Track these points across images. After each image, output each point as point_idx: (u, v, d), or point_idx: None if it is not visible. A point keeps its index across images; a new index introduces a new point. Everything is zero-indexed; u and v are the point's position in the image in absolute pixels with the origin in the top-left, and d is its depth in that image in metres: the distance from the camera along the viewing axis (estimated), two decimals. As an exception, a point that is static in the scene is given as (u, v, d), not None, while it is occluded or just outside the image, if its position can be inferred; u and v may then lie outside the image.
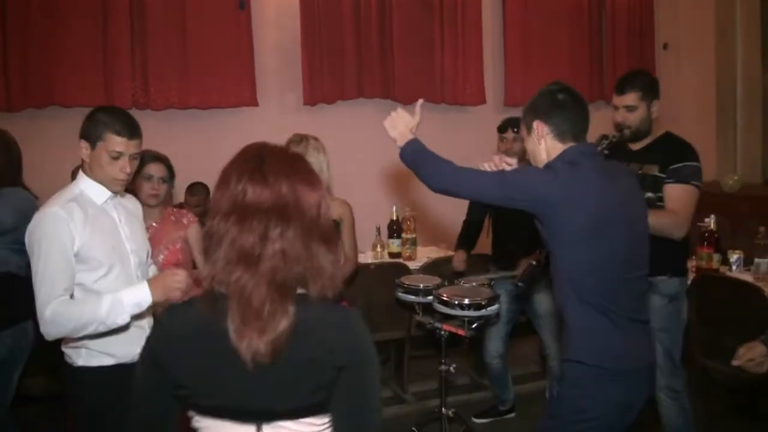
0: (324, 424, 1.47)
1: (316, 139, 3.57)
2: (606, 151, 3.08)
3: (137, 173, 3.03)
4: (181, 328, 1.47)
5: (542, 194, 2.23)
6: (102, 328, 2.25)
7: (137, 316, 2.33)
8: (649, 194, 3.13)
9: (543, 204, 2.24)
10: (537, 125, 2.42)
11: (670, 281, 3.22)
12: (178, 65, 5.50)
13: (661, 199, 3.17)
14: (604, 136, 3.14)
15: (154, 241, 3.10)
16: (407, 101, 6.16)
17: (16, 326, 3.08)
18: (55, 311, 2.21)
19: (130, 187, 3.10)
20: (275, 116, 5.84)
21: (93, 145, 2.35)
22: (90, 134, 2.35)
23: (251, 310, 1.37)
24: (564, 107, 2.41)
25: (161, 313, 1.70)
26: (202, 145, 5.41)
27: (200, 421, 1.48)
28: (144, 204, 3.06)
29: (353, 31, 5.97)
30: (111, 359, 2.40)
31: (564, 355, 2.34)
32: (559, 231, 2.25)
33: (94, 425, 2.41)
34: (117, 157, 2.35)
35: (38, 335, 2.34)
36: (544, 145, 2.40)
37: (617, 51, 6.92)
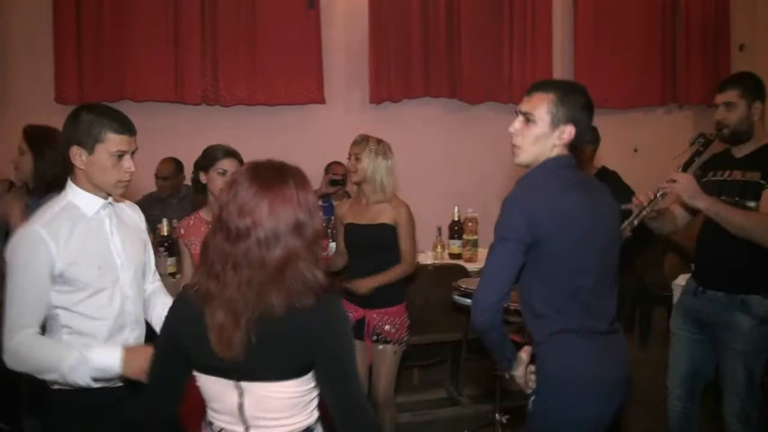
0: (301, 390, 1.72)
1: (378, 142, 3.55)
2: (701, 149, 2.98)
3: (210, 167, 3.15)
4: (184, 308, 1.75)
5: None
6: (62, 381, 2.11)
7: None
8: (751, 203, 2.95)
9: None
10: (570, 130, 2.27)
11: (764, 302, 3.00)
12: (248, 62, 5.59)
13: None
14: (701, 134, 3.03)
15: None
16: (473, 101, 6.14)
17: None
18: (18, 347, 2.07)
19: (202, 182, 3.21)
20: (341, 114, 5.90)
21: (90, 150, 2.14)
22: (84, 138, 2.13)
23: (215, 327, 1.65)
24: (590, 116, 2.32)
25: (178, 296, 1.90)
26: (269, 141, 5.49)
27: (198, 378, 1.77)
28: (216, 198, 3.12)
29: (421, 29, 5.96)
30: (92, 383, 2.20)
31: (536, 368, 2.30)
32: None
33: None
34: (121, 156, 2.18)
35: None
36: (555, 149, 2.29)
37: (691, 53, 6.70)
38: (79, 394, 2.15)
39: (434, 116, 6.17)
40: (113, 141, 2.14)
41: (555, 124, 2.25)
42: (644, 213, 2.91)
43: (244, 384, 1.70)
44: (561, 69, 6.45)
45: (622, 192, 3.48)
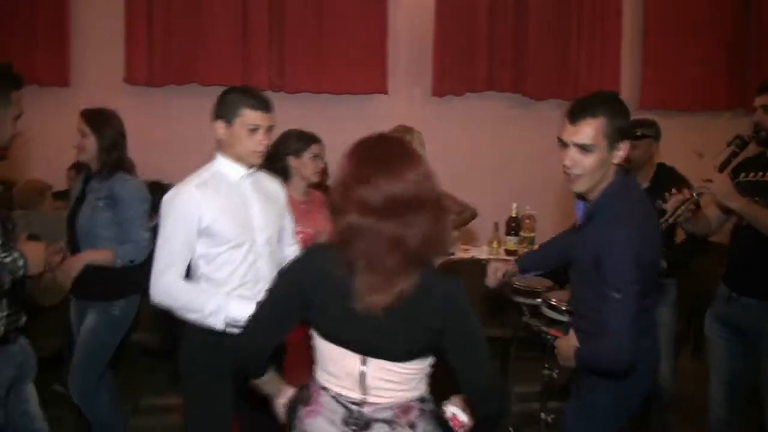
0: (421, 369, 1.84)
1: (419, 132, 3.67)
2: (737, 150, 2.94)
3: (302, 152, 3.34)
4: (319, 263, 1.84)
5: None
6: (199, 321, 2.47)
7: None
8: None
9: None
10: (624, 146, 2.25)
11: None
12: (314, 50, 5.65)
13: None
14: (738, 136, 2.98)
15: (314, 215, 3.39)
16: (537, 97, 6.07)
17: (126, 299, 3.34)
18: (170, 286, 2.47)
19: (294, 167, 3.36)
20: (403, 105, 5.91)
21: (230, 122, 2.51)
22: (226, 113, 2.51)
23: (380, 275, 1.72)
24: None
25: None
26: (330, 129, 5.49)
27: (318, 342, 1.88)
28: (308, 181, 3.41)
29: (488, 22, 5.91)
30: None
31: None
32: None
33: (192, 379, 2.60)
34: (255, 129, 2.51)
35: None
36: (608, 170, 2.28)
37: (764, 56, 6.46)
38: (207, 333, 2.48)
39: (496, 111, 6.12)
40: (249, 116, 2.50)
41: (612, 145, 2.22)
42: (679, 212, 2.89)
43: (370, 359, 1.81)
44: (630, 68, 6.32)
45: (680, 183, 3.41)
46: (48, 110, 4.95)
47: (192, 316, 2.47)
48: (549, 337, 3.38)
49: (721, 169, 2.94)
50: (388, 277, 1.72)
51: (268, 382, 2.02)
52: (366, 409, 1.85)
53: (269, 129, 2.59)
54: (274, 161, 3.36)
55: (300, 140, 3.40)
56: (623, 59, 6.27)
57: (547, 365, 3.59)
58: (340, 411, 1.87)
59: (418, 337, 1.79)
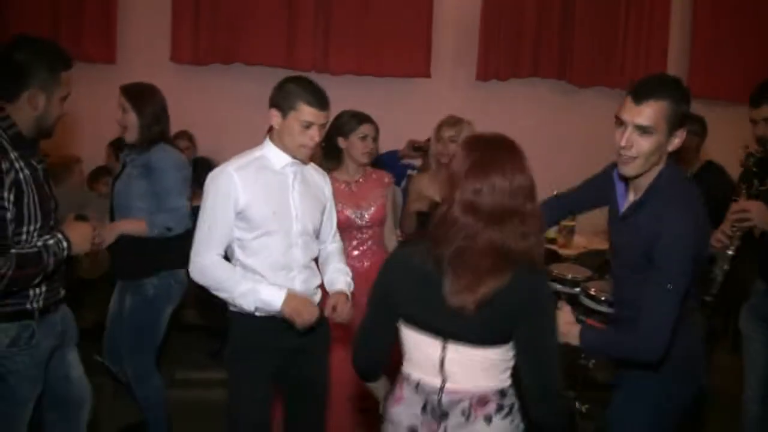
0: (502, 358, 1.85)
1: (469, 123, 3.58)
2: (755, 169, 2.90)
3: (351, 133, 3.36)
4: (405, 259, 1.93)
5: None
6: (229, 301, 2.55)
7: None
8: None
9: None
10: (681, 134, 2.18)
11: None
12: (358, 32, 5.64)
13: None
14: (750, 154, 2.97)
15: (359, 196, 3.43)
16: (582, 84, 5.99)
17: (161, 273, 3.30)
18: (205, 265, 2.52)
19: (343, 148, 3.39)
20: (446, 89, 5.87)
21: (284, 114, 2.47)
22: (282, 104, 2.48)
23: (471, 275, 1.76)
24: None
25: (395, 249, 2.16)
26: (373, 112, 5.52)
27: (403, 332, 1.94)
28: (357, 162, 3.43)
29: (535, 6, 5.86)
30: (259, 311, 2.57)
31: None
32: None
33: (230, 363, 2.66)
34: (308, 126, 2.46)
35: None
36: (662, 156, 2.22)
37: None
38: (246, 317, 2.54)
39: (540, 97, 6.05)
40: (304, 111, 2.45)
41: (671, 131, 2.16)
42: (730, 253, 2.88)
43: (449, 344, 1.86)
44: (677, 56, 6.19)
45: (723, 188, 3.35)
46: (94, 87, 5.01)
47: (224, 296, 2.52)
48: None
49: (749, 195, 2.92)
50: (479, 277, 1.76)
51: (379, 387, 2.15)
52: (444, 398, 1.89)
53: (323, 126, 2.55)
54: (328, 141, 3.38)
55: (350, 121, 3.41)
56: (671, 46, 6.15)
57: (583, 355, 3.55)
58: (421, 399, 1.92)
59: (496, 325, 1.82)
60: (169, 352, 4.23)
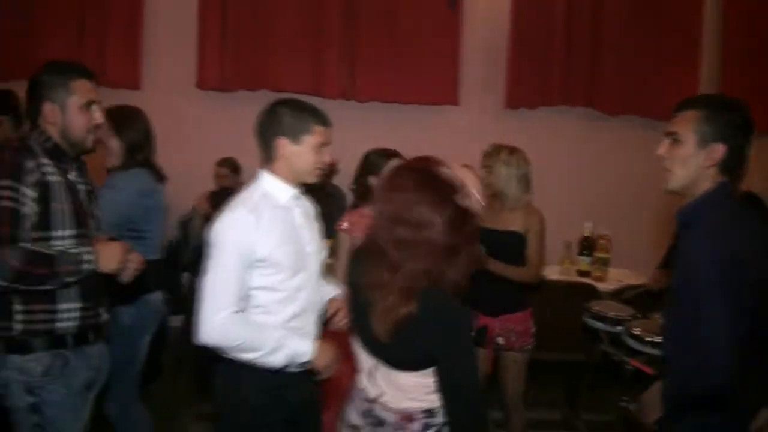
0: (424, 382, 1.89)
1: (511, 152, 3.48)
2: None
3: (382, 169, 3.25)
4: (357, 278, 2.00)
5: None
6: (255, 361, 2.26)
7: None
8: None
9: None
10: (720, 149, 2.09)
11: None
12: (385, 59, 5.57)
13: None
14: None
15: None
16: (612, 112, 5.88)
17: (137, 301, 3.13)
18: (227, 322, 2.22)
19: (374, 185, 3.25)
20: (474, 117, 5.78)
21: (296, 140, 2.31)
22: (291, 130, 2.31)
23: (380, 303, 1.84)
24: (746, 135, 2.12)
25: None
26: (399, 140, 5.41)
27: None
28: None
29: (564, 34, 5.74)
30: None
31: None
32: None
33: (237, 418, 2.41)
34: (324, 146, 2.36)
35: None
36: (708, 172, 2.10)
37: None
38: (252, 371, 2.31)
39: (570, 126, 5.94)
40: (319, 133, 2.34)
41: (702, 143, 2.08)
42: None
43: (378, 364, 1.96)
44: (708, 86, 6.04)
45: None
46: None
47: (249, 356, 2.26)
48: (629, 367, 3.20)
49: None
50: (386, 307, 1.83)
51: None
52: (377, 408, 1.99)
53: (329, 146, 2.42)
54: (358, 182, 3.40)
55: (378, 159, 3.38)
56: (702, 76, 6.00)
57: (624, 397, 3.40)
58: (363, 404, 2.04)
59: (412, 354, 1.88)
60: (196, 386, 4.13)
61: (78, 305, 2.32)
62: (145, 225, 3.13)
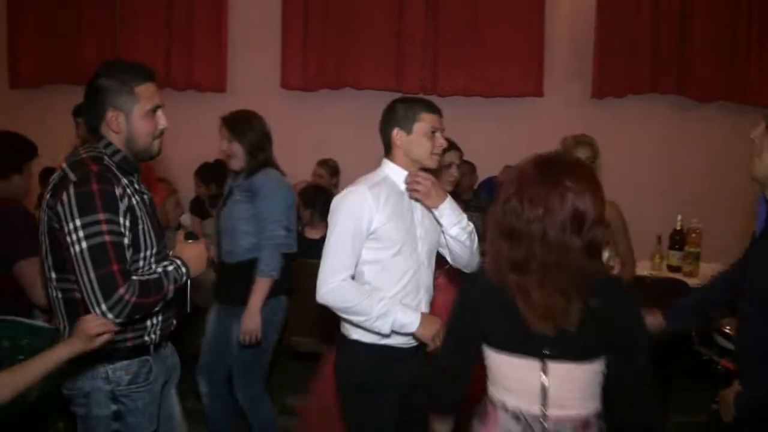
0: (599, 372, 1.79)
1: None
2: None
3: None
4: (486, 295, 1.86)
5: None
6: (364, 325, 2.45)
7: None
8: None
9: None
10: None
11: None
12: (467, 52, 5.56)
13: None
14: None
15: None
16: (703, 99, 5.66)
17: (270, 300, 3.26)
18: (341, 286, 2.42)
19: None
20: (560, 108, 5.68)
21: (409, 130, 2.50)
22: (403, 121, 2.50)
23: (537, 308, 1.73)
24: None
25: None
26: (483, 133, 5.41)
27: (493, 358, 1.86)
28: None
29: (651, 20, 5.60)
30: (385, 340, 2.50)
31: None
32: None
33: (354, 396, 2.56)
34: (434, 131, 2.50)
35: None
36: None
37: None
38: (369, 346, 2.50)
39: (659, 114, 5.74)
40: (429, 119, 2.50)
41: None
42: None
43: (550, 364, 1.77)
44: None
45: None
46: (205, 115, 5.11)
47: (358, 319, 2.45)
48: (720, 367, 3.07)
49: None
50: (551, 305, 1.73)
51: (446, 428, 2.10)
52: (547, 424, 1.79)
53: (443, 132, 2.57)
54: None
55: None
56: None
57: (717, 398, 3.25)
58: (520, 428, 1.82)
59: (591, 337, 1.76)
60: (281, 379, 4.20)
61: (161, 318, 2.33)
62: (275, 226, 3.26)
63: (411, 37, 5.47)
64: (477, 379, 1.99)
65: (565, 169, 1.76)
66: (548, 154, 1.83)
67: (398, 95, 5.47)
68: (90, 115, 2.22)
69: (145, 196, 2.31)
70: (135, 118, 2.19)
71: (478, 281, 1.97)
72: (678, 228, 4.59)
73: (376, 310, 2.41)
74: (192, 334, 3.83)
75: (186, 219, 4.27)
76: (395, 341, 2.50)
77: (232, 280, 3.30)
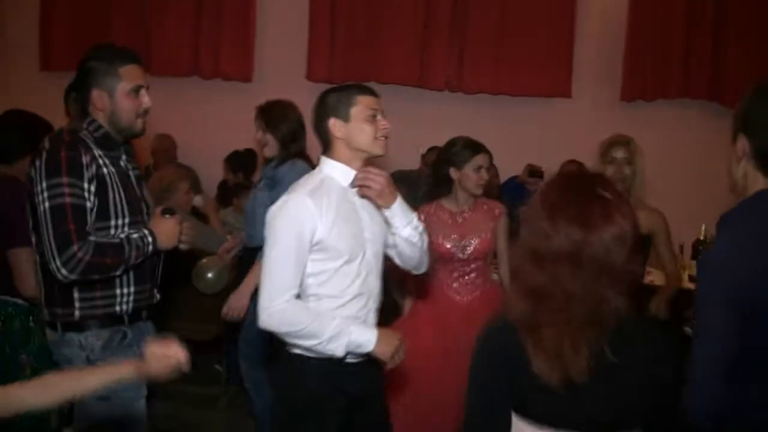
0: None
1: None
2: None
3: (464, 164, 3.14)
4: (496, 345, 1.56)
5: None
6: (316, 348, 2.20)
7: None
8: None
9: None
10: (740, 141, 1.77)
11: None
12: (495, 50, 5.50)
13: None
14: None
15: (463, 227, 3.21)
16: (737, 106, 5.52)
17: None
18: (284, 308, 2.19)
19: (455, 179, 3.19)
20: (587, 110, 5.60)
21: (346, 117, 2.27)
22: (339, 109, 2.28)
23: (545, 347, 1.43)
24: None
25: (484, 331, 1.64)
26: (509, 133, 5.36)
27: (519, 425, 1.53)
28: (470, 193, 3.19)
29: (684, 23, 5.48)
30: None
31: None
32: None
33: (294, 420, 2.35)
34: (374, 115, 2.28)
35: None
36: (743, 170, 1.78)
37: None
38: (315, 360, 2.25)
39: (690, 120, 5.63)
40: (365, 101, 2.27)
41: (734, 135, 1.82)
42: None
43: None
44: None
45: None
46: (231, 104, 5.12)
47: (308, 343, 2.20)
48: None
49: None
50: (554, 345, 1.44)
51: None
52: None
53: (383, 114, 2.32)
54: (438, 170, 3.25)
55: (463, 151, 3.17)
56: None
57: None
58: None
59: (622, 405, 1.48)
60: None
61: (132, 289, 2.38)
62: None
63: (437, 33, 5.44)
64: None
65: (600, 184, 1.50)
66: (578, 171, 1.63)
67: (422, 91, 5.51)
68: (79, 95, 2.39)
69: (131, 172, 2.45)
70: (118, 96, 2.33)
71: (494, 337, 1.59)
72: (701, 238, 4.51)
73: (327, 331, 2.17)
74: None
75: (198, 200, 4.26)
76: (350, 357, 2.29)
77: (251, 263, 3.32)
